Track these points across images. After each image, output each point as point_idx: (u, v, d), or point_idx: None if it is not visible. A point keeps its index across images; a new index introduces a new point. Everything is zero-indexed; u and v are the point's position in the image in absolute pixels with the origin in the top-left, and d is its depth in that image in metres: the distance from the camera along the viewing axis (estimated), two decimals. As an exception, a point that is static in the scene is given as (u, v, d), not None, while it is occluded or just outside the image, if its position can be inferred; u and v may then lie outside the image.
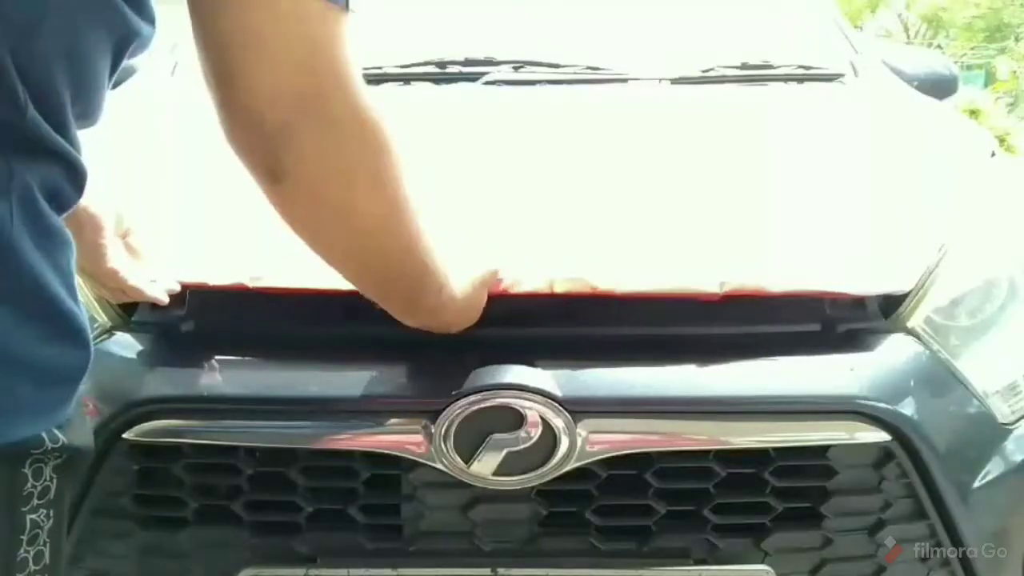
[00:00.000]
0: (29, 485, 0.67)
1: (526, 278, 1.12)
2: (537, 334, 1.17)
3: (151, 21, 0.72)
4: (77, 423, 0.71)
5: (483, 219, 1.27)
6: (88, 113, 0.71)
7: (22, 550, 0.68)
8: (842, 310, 1.20)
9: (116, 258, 1.07)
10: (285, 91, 0.75)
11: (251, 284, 1.11)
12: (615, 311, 1.19)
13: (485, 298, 1.10)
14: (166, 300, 1.13)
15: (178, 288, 1.14)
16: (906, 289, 1.19)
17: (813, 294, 1.15)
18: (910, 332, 1.18)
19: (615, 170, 1.44)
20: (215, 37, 0.75)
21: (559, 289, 1.11)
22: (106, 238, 1.05)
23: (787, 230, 1.28)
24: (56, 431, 0.67)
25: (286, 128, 0.77)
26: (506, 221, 1.27)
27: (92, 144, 0.72)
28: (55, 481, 0.69)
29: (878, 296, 1.21)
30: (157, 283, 1.12)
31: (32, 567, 0.69)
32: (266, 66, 0.75)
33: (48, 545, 0.70)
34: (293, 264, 1.05)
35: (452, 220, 1.25)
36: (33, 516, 0.68)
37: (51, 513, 0.69)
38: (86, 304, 1.18)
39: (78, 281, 0.72)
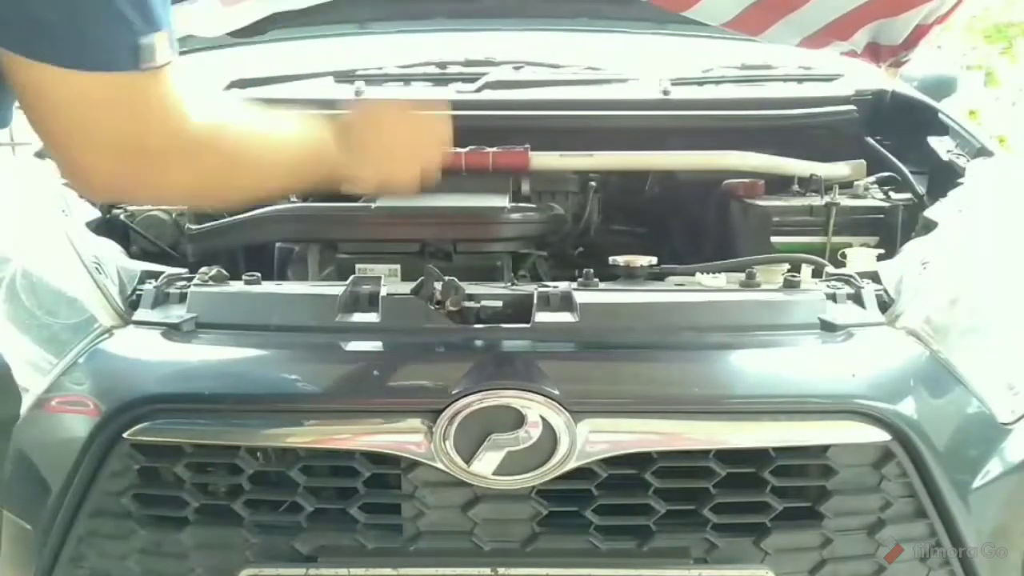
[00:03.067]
0: None
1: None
2: (537, 334, 1.18)
3: None
4: None
5: None
6: None
7: None
8: (842, 310, 1.21)
9: None
10: (105, 168, 0.81)
11: None
12: (617, 308, 1.19)
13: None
14: None
15: None
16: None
17: None
18: (910, 332, 1.18)
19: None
20: (34, 123, 0.80)
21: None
22: None
23: None
24: None
25: (118, 190, 0.90)
26: None
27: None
28: None
29: (878, 296, 1.22)
30: None
31: None
32: (80, 152, 0.80)
33: None
34: None
35: None
36: None
37: None
38: (87, 304, 1.20)
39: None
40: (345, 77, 1.96)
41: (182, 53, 2.25)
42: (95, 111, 0.77)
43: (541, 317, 1.17)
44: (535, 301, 1.18)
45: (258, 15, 1.78)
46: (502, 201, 1.47)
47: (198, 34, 1.78)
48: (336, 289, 1.19)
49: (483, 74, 1.93)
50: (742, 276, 1.27)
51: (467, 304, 1.16)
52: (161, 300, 1.23)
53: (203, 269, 1.27)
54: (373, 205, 1.45)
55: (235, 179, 0.95)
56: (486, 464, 1.06)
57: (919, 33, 1.65)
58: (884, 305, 1.22)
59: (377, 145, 1.12)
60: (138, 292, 1.24)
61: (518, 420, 1.06)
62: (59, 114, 0.77)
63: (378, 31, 2.30)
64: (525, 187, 1.58)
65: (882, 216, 1.55)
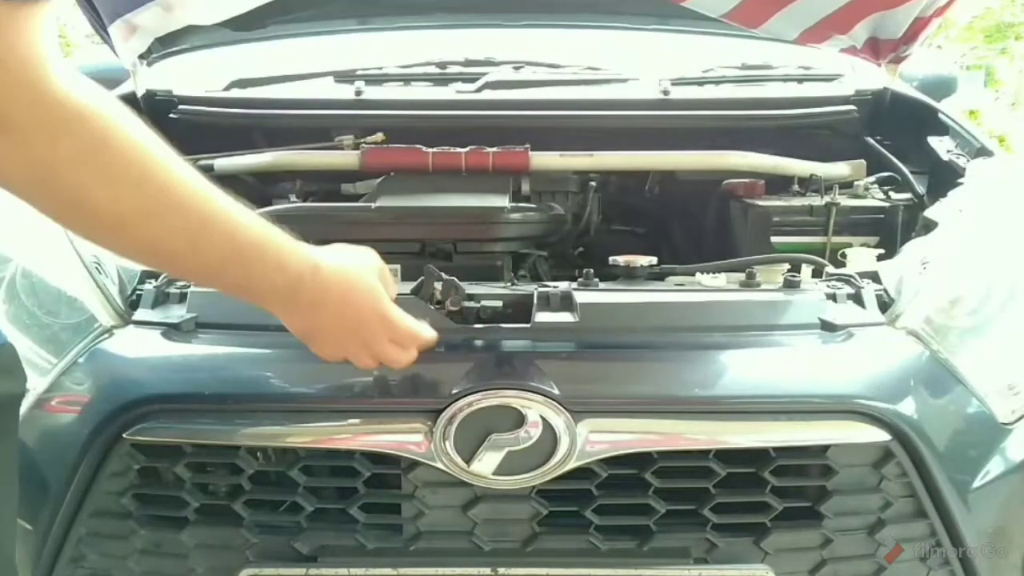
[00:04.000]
0: None
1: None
2: (537, 334, 1.18)
3: None
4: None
5: None
6: None
7: None
8: (842, 310, 1.21)
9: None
10: None
11: None
12: (617, 308, 1.19)
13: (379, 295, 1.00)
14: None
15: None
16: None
17: None
18: (910, 332, 1.18)
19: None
20: None
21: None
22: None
23: None
24: None
25: None
26: None
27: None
28: None
29: (879, 296, 1.22)
30: None
31: None
32: None
33: None
34: None
35: None
36: None
37: None
38: (87, 304, 1.20)
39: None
40: (345, 77, 1.96)
41: (180, 51, 2.22)
42: None
43: (541, 317, 1.17)
44: (535, 301, 1.18)
45: (258, 2, 1.75)
46: (502, 201, 1.47)
47: (196, 22, 1.75)
48: (336, 289, 1.19)
49: (483, 74, 1.93)
50: (742, 276, 1.28)
51: (467, 304, 1.16)
52: (161, 300, 1.23)
53: (203, 269, 1.27)
54: (373, 205, 1.45)
55: (107, 182, 0.76)
56: (486, 464, 1.06)
57: (918, 26, 1.66)
58: (884, 305, 1.23)
59: (332, 311, 0.97)
60: (138, 292, 1.24)
61: (518, 420, 1.06)
62: None
63: (378, 27, 2.29)
64: (525, 187, 1.58)
65: (882, 216, 1.55)
